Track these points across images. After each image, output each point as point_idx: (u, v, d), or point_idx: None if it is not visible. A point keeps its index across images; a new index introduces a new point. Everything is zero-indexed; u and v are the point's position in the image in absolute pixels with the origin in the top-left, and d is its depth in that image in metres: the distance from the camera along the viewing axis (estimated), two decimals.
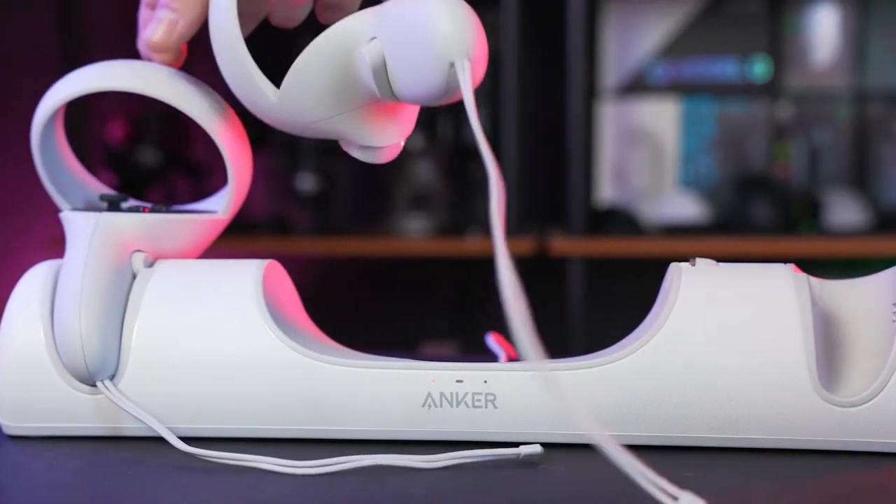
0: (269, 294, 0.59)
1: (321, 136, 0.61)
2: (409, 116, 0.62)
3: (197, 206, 0.66)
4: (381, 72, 0.56)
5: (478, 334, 2.35)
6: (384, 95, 0.57)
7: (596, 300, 1.90)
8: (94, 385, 0.58)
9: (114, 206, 0.63)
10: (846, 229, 1.94)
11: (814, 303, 0.56)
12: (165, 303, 0.59)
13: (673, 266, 0.59)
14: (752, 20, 2.08)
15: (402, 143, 0.62)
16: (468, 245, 1.94)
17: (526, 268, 1.93)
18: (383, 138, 0.61)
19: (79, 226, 0.60)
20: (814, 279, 0.58)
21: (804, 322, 0.55)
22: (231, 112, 0.64)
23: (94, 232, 0.60)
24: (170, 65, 0.63)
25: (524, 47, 1.93)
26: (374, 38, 0.56)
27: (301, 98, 0.58)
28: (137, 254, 0.61)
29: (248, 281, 0.59)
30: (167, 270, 0.60)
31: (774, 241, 1.87)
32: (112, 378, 0.58)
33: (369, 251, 2.08)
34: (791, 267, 0.58)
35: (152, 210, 0.63)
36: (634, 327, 0.59)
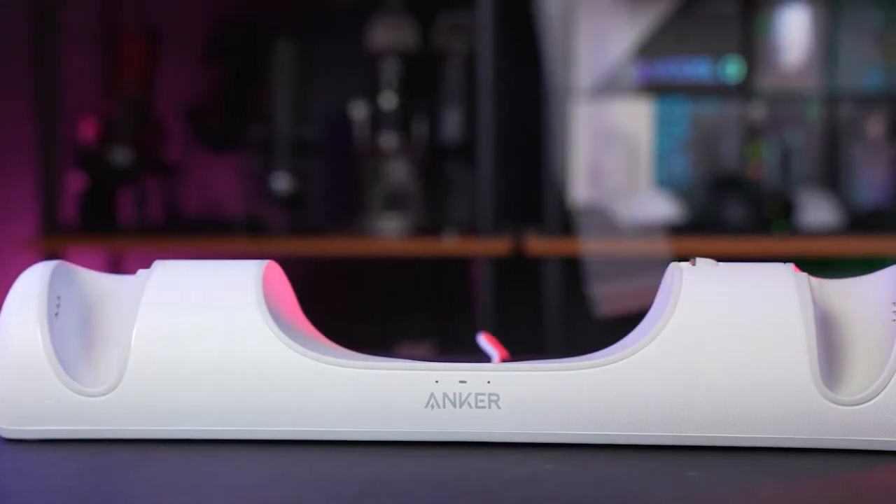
0: (269, 294, 0.59)
1: None
2: None
3: None
4: None
5: (453, 335, 2.36)
6: None
7: (572, 300, 1.91)
8: None
9: None
10: (818, 229, 1.95)
11: (814, 302, 0.56)
12: (165, 304, 0.58)
13: (673, 266, 0.59)
14: (725, 21, 2.10)
15: None
16: (444, 245, 1.94)
17: (502, 268, 1.94)
18: None
19: None
20: (813, 279, 0.58)
21: (806, 321, 0.55)
22: None
23: None
24: None
25: (499, 48, 1.93)
26: None
27: None
28: None
29: (248, 281, 0.59)
30: (165, 271, 0.60)
31: (748, 241, 1.88)
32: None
33: (344, 251, 2.08)
34: (791, 266, 0.58)
35: None
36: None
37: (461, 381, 0.56)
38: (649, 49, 2.09)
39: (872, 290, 0.58)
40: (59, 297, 0.59)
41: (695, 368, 0.55)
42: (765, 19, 2.11)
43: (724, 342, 0.55)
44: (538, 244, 1.89)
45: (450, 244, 1.93)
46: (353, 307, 2.24)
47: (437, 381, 0.56)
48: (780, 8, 2.10)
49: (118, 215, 2.19)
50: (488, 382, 0.56)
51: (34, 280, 0.59)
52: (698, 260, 0.59)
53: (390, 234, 1.99)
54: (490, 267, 1.92)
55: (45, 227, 2.07)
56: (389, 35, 2.05)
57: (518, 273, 1.97)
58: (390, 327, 2.23)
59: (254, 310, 0.58)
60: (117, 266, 2.27)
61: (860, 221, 2.00)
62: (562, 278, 1.88)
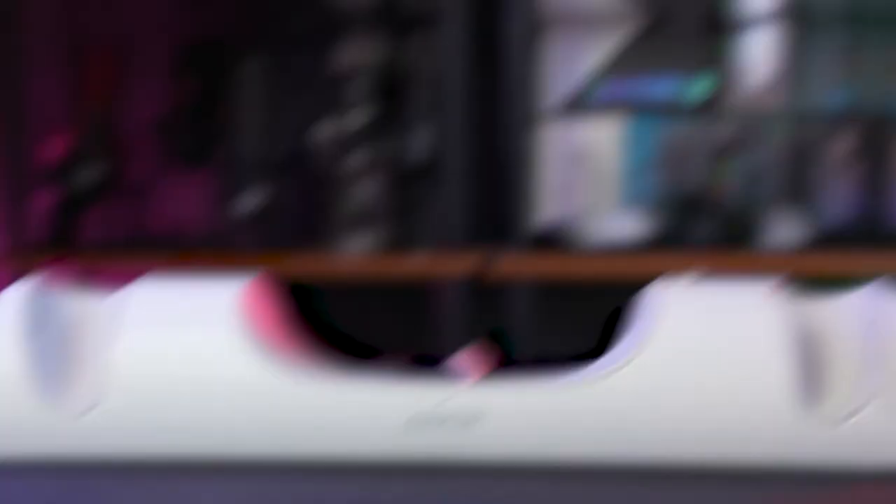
0: (249, 313, 0.58)
1: None
2: None
3: None
4: None
5: (422, 353, 2.33)
6: None
7: (541, 318, 1.90)
8: None
9: None
10: (785, 248, 1.96)
11: (794, 321, 0.56)
12: (144, 325, 0.58)
13: (653, 285, 0.59)
14: (692, 40, 2.11)
15: None
16: (412, 263, 1.93)
17: (470, 286, 1.94)
18: None
19: None
20: (793, 298, 0.59)
21: (785, 341, 0.55)
22: None
23: None
24: None
25: (468, 66, 1.93)
26: None
27: None
28: None
29: (227, 302, 0.58)
30: (144, 291, 0.59)
31: (716, 259, 1.89)
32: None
33: (311, 269, 2.07)
34: (771, 285, 0.58)
35: None
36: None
37: (443, 400, 0.56)
38: (617, 68, 2.10)
39: (852, 309, 0.58)
40: (37, 318, 0.59)
41: (675, 388, 0.55)
42: (731, 39, 2.12)
43: (705, 362, 0.55)
44: (507, 263, 1.88)
45: (418, 262, 1.93)
46: None
47: (417, 401, 0.56)
48: (747, 28, 2.12)
49: (86, 233, 2.17)
50: (471, 400, 0.56)
51: (12, 301, 0.59)
52: (677, 279, 0.59)
53: (358, 252, 1.99)
54: (458, 285, 1.92)
55: (12, 245, 2.05)
56: (358, 53, 2.05)
57: (486, 291, 1.96)
58: (358, 344, 2.22)
59: (232, 331, 0.57)
60: (86, 284, 2.25)
61: (827, 240, 2.01)
62: (531, 297, 1.88)
